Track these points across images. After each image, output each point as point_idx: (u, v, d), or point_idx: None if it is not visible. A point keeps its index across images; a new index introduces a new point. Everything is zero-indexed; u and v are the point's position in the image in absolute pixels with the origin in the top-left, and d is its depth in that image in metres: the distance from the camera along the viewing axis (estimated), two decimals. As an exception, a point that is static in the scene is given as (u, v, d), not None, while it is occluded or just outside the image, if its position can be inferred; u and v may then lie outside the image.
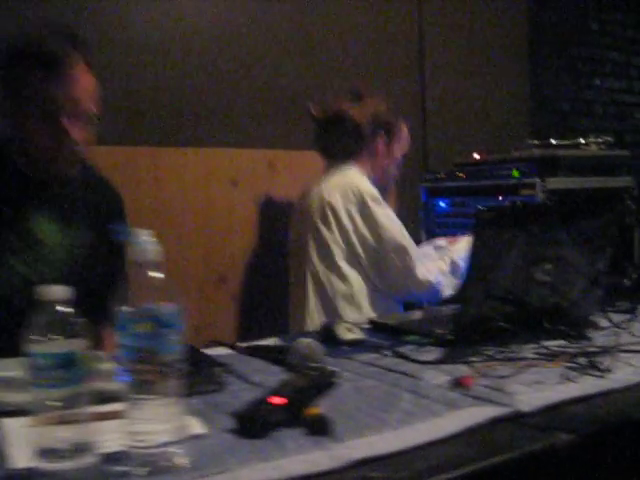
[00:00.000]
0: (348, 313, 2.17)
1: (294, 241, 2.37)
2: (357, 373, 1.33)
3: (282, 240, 2.56)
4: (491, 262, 1.44)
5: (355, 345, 1.53)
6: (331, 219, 2.18)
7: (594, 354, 1.36)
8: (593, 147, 2.61)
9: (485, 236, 1.41)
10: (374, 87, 2.57)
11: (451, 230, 2.66)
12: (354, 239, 2.17)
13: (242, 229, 2.64)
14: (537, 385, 1.20)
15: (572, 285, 1.59)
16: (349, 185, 2.20)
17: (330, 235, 2.17)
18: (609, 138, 2.62)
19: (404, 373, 1.31)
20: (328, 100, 2.35)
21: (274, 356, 1.44)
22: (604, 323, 1.65)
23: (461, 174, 2.65)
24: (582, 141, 2.63)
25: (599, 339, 1.51)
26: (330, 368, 1.18)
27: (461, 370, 1.30)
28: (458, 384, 1.21)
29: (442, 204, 2.70)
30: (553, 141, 2.67)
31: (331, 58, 2.92)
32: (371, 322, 1.75)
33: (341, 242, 2.17)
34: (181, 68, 2.59)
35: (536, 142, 2.62)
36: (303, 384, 1.09)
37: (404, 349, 1.48)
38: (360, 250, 2.17)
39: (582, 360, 1.34)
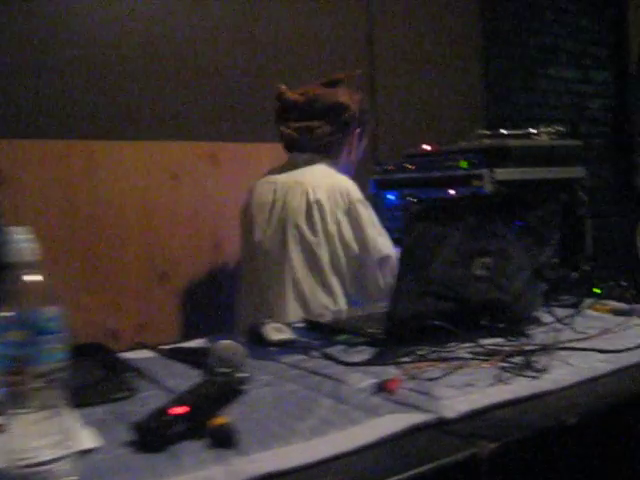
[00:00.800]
0: None
1: (258, 241, 2.12)
2: (279, 376, 1.25)
3: (226, 236, 2.47)
4: (425, 257, 1.37)
5: (283, 346, 1.45)
6: (317, 221, 1.98)
7: (531, 353, 1.29)
8: (544, 137, 2.55)
9: (417, 230, 1.33)
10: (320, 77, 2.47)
11: (401, 224, 2.58)
12: (339, 246, 1.99)
13: (184, 225, 2.54)
14: (467, 388, 1.13)
15: (513, 279, 1.53)
16: (337, 186, 2.02)
17: (314, 239, 1.98)
18: (561, 128, 2.56)
19: (328, 376, 1.23)
20: (301, 85, 2.17)
21: (193, 359, 1.35)
22: (547, 319, 1.59)
23: (410, 166, 2.57)
24: (533, 131, 2.57)
25: (539, 336, 1.44)
26: (242, 373, 1.09)
27: (389, 372, 1.22)
28: (382, 388, 1.13)
29: (391, 197, 2.63)
30: (504, 131, 2.61)
31: (278, 48, 2.83)
32: (305, 321, 1.66)
33: (326, 247, 1.98)
34: (117, 59, 2.49)
35: (486, 132, 2.56)
36: (209, 391, 1.00)
37: (334, 350, 1.40)
38: (343, 258, 2.00)
39: (518, 359, 1.26)
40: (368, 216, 2.02)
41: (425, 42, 3.31)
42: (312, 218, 1.98)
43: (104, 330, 2.41)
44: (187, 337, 2.18)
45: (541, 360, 1.25)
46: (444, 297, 1.43)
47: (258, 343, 1.47)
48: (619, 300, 1.74)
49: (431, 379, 1.17)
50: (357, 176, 2.80)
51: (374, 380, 1.17)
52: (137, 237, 2.46)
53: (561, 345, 1.34)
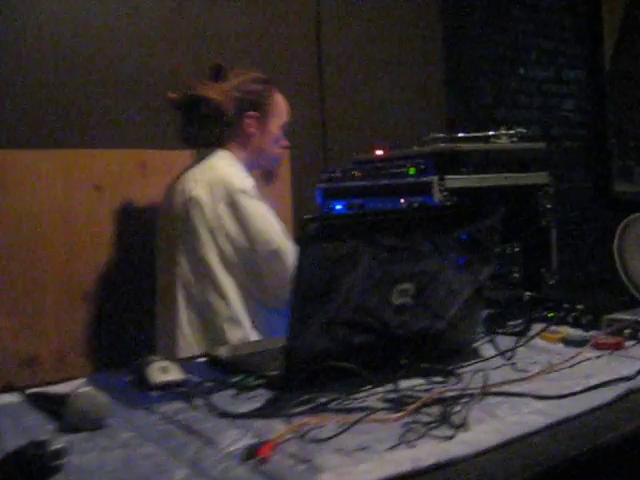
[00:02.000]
0: (231, 336, 1.84)
1: (163, 249, 2.01)
2: (141, 434, 1.02)
3: (154, 250, 2.23)
4: (330, 284, 1.14)
5: (167, 390, 1.22)
6: (196, 218, 1.84)
7: (452, 401, 1.06)
8: (504, 140, 2.33)
9: (314, 252, 1.10)
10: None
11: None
12: (224, 242, 1.83)
13: (108, 239, 2.31)
14: (359, 454, 0.90)
15: (445, 306, 1.30)
16: (216, 177, 1.87)
17: (196, 238, 1.84)
18: (522, 129, 2.34)
19: (200, 433, 1.00)
20: (188, 82, 1.99)
21: (53, 409, 1.12)
22: (488, 351, 1.37)
23: (357, 173, 2.35)
24: (491, 133, 2.35)
25: (470, 377, 1.21)
26: (57, 445, 0.86)
27: (274, 429, 0.99)
28: (253, 454, 0.90)
29: (338, 207, 2.40)
30: (461, 134, 2.39)
31: (214, 48, 2.61)
32: (206, 355, 1.44)
33: (212, 245, 1.83)
34: (34, 61, 2.26)
35: (440, 135, 2.33)
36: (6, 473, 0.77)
37: (223, 395, 1.18)
38: (232, 255, 1.83)
39: (437, 409, 1.04)
40: (254, 207, 1.85)
41: (380, 39, 3.09)
42: (190, 216, 1.84)
43: (20, 357, 2.18)
44: (112, 364, 1.95)
45: (463, 411, 1.03)
46: (357, 332, 1.20)
47: (139, 386, 1.24)
48: (574, 326, 1.52)
49: (320, 440, 0.95)
50: (305, 184, 2.59)
51: (252, 440, 0.95)
52: (56, 253, 2.23)
53: (490, 390, 1.11)
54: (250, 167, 2.02)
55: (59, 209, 2.23)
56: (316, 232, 1.09)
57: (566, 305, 1.54)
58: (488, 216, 1.32)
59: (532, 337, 1.42)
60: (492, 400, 1.09)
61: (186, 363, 1.38)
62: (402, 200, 2.15)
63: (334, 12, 2.96)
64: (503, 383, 1.15)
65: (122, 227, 2.33)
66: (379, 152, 2.45)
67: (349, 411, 1.06)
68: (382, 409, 1.06)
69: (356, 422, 0.98)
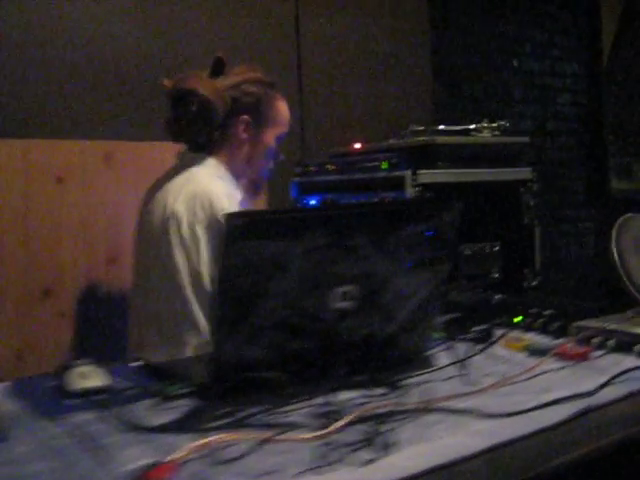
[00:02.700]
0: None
1: (139, 259, 1.80)
2: (37, 449, 0.92)
3: (123, 246, 2.15)
4: (258, 285, 1.04)
5: (87, 397, 1.12)
6: (173, 236, 1.60)
7: (385, 418, 0.96)
8: (486, 133, 2.22)
9: (240, 250, 1.00)
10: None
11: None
12: (200, 268, 1.58)
13: (71, 233, 2.22)
14: (262, 479, 0.80)
15: (393, 311, 1.20)
16: (198, 193, 1.62)
17: (170, 258, 1.59)
18: (505, 122, 2.23)
19: (99, 449, 0.90)
20: (188, 72, 1.76)
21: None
22: (444, 359, 1.26)
23: (332, 166, 2.24)
24: (472, 127, 2.24)
25: (415, 389, 1.11)
26: None
27: (182, 447, 0.89)
28: (144, 476, 0.80)
29: (312, 202, 2.30)
30: (442, 127, 2.28)
31: (187, 32, 2.50)
32: (139, 359, 1.34)
33: (186, 269, 1.58)
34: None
35: (419, 128, 2.22)
36: None
37: (145, 404, 1.08)
38: (207, 281, 1.57)
39: (368, 426, 0.94)
40: None
41: (362, 29, 2.97)
42: (167, 233, 1.60)
43: (-24, 356, 2.10)
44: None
45: (397, 430, 0.92)
46: (293, 337, 1.10)
47: (59, 392, 1.15)
48: (542, 333, 1.41)
49: (227, 460, 0.85)
50: (280, 179, 2.49)
51: (154, 459, 0.85)
52: (15, 248, 2.14)
53: (431, 405, 1.00)
54: (238, 176, 1.80)
55: (17, 202, 2.14)
56: (240, 230, 0.99)
57: (534, 310, 1.42)
58: (445, 212, 1.21)
59: (487, 346, 1.31)
60: (432, 417, 0.98)
61: (118, 368, 1.28)
62: (375, 195, 2.05)
63: (313, 1, 2.84)
64: (449, 397, 1.04)
65: (85, 221, 2.24)
66: (357, 146, 2.34)
67: (270, 427, 0.96)
68: (306, 426, 0.96)
69: (265, 441, 0.88)
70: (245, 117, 1.75)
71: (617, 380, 1.09)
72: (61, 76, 2.27)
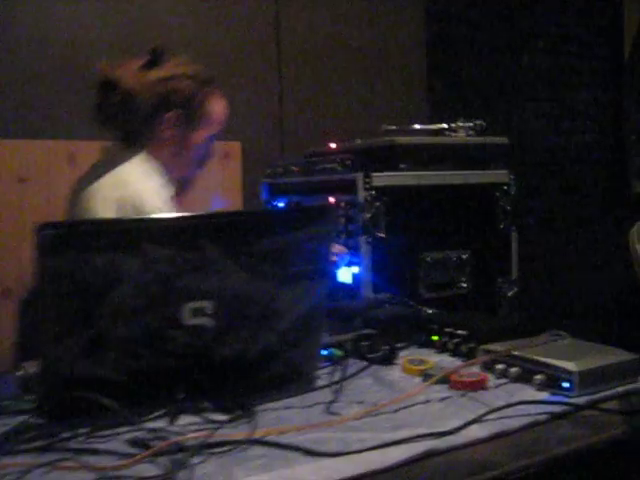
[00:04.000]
0: None
1: None
2: None
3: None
4: (86, 300, 0.96)
5: None
6: None
7: (205, 448, 0.87)
8: (461, 133, 2.07)
9: (58, 262, 0.92)
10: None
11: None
12: None
13: (33, 235, 2.17)
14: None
15: (262, 330, 1.10)
16: (129, 197, 1.54)
17: None
18: (481, 122, 2.08)
19: None
20: (119, 60, 1.67)
21: None
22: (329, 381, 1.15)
23: (295, 168, 2.14)
24: (445, 126, 2.10)
25: (268, 415, 1.01)
26: None
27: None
28: None
29: (281, 204, 2.21)
30: (417, 126, 2.14)
31: (160, 29, 2.44)
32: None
33: None
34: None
35: (392, 127, 2.09)
36: None
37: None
38: None
39: (174, 459, 0.84)
40: None
41: (349, 21, 2.84)
42: None
43: None
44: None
45: (205, 463, 0.83)
46: (134, 356, 1.01)
47: None
48: (455, 354, 1.28)
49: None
50: (253, 179, 2.40)
51: None
52: (-23, 249, 2.13)
53: (264, 437, 0.90)
54: (168, 172, 1.70)
55: (-21, 202, 2.13)
56: (54, 241, 0.91)
57: (449, 329, 1.29)
58: (318, 222, 1.10)
59: (361, 370, 1.19)
60: (255, 451, 0.88)
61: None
62: (331, 199, 1.94)
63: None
64: (286, 429, 0.93)
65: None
66: (333, 145, 2.23)
67: (76, 452, 0.88)
68: (118, 454, 0.87)
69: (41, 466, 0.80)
70: (173, 113, 1.65)
71: (491, 417, 0.96)
72: (24, 75, 2.24)
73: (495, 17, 3.10)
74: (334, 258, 1.82)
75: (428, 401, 1.04)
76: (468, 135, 2.07)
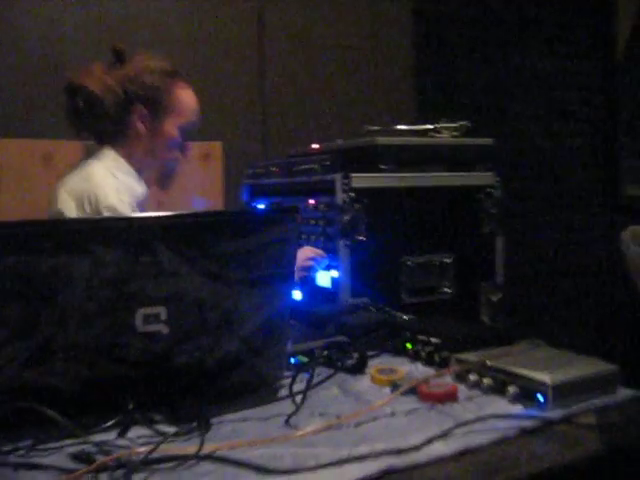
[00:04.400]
0: None
1: None
2: None
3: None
4: (29, 306, 0.90)
5: None
6: None
7: (150, 463, 0.81)
8: (445, 134, 2.02)
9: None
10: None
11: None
12: None
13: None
14: None
15: (222, 335, 1.04)
16: (87, 189, 1.60)
17: None
18: (465, 122, 2.02)
19: None
20: (81, 67, 1.71)
21: None
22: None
23: (274, 169, 2.09)
24: (429, 127, 2.04)
25: (224, 428, 0.96)
26: None
27: None
28: None
29: (261, 206, 2.15)
30: (401, 127, 2.09)
31: (140, 27, 2.39)
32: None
33: None
34: None
35: (374, 128, 2.04)
36: None
37: None
38: None
39: (115, 475, 0.79)
40: None
41: (333, 18, 2.79)
42: None
43: None
44: None
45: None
46: (86, 364, 0.96)
47: None
48: (428, 363, 1.22)
49: None
50: (235, 180, 2.35)
51: None
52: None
53: (214, 452, 0.85)
54: (142, 169, 1.75)
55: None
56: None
57: (423, 337, 1.24)
58: (281, 223, 1.05)
59: (327, 379, 1.14)
60: (202, 468, 0.83)
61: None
62: (311, 201, 1.88)
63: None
64: (238, 444, 0.87)
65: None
66: (315, 146, 2.17)
67: (17, 467, 0.83)
68: (61, 469, 0.82)
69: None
70: (139, 107, 1.68)
71: (458, 432, 0.91)
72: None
73: (485, 16, 3.05)
74: (310, 262, 1.77)
75: (394, 414, 0.99)
76: (452, 136, 2.02)
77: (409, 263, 1.86)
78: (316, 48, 2.72)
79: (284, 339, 1.12)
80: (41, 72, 2.25)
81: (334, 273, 1.82)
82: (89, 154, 1.71)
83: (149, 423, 0.95)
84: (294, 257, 1.08)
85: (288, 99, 2.66)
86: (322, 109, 2.71)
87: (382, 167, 1.84)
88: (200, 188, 2.40)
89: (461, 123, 2.01)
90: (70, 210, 1.59)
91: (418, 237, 1.89)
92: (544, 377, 0.98)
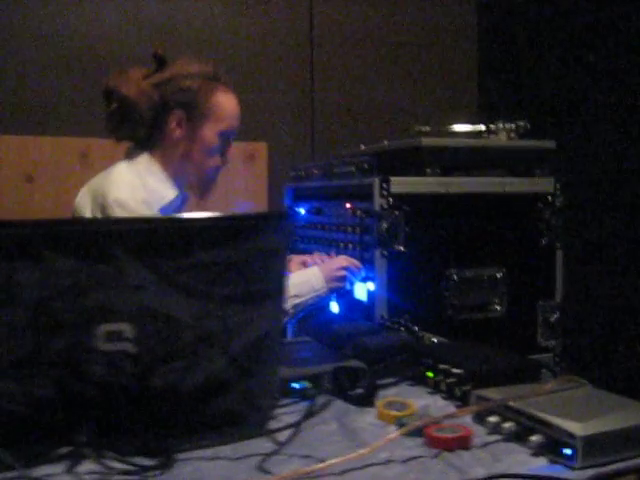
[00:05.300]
0: None
1: None
2: None
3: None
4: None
5: None
6: None
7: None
8: (502, 135, 1.83)
9: None
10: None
11: (310, 246, 1.98)
12: None
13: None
14: None
15: (201, 358, 0.91)
16: (100, 187, 1.56)
17: None
18: (523, 122, 1.83)
19: None
20: (120, 70, 1.64)
21: None
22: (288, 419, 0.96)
23: (316, 172, 1.95)
24: (483, 127, 1.86)
25: (185, 467, 0.83)
26: None
27: None
28: None
29: (302, 210, 2.02)
30: (456, 127, 1.91)
31: (185, 26, 2.30)
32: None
33: None
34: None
35: (424, 128, 1.87)
36: None
37: None
38: None
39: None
40: None
41: (391, 16, 2.62)
42: None
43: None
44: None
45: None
46: (37, 384, 0.85)
47: None
48: (448, 397, 1.06)
49: None
50: (281, 183, 2.23)
51: None
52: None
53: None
54: (180, 175, 1.65)
55: (-14, 201, 2.04)
56: None
57: (443, 366, 1.07)
58: (268, 231, 0.91)
59: (326, 411, 0.98)
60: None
61: None
62: (348, 205, 1.74)
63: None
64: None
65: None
66: (363, 147, 2.03)
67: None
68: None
69: None
70: (177, 112, 1.60)
71: (458, 491, 0.75)
72: (35, 71, 2.15)
73: (556, 9, 2.80)
74: (343, 272, 1.63)
75: (389, 461, 0.83)
76: (509, 138, 1.83)
77: (455, 277, 1.69)
78: (369, 45, 2.57)
79: (274, 363, 0.98)
80: (78, 70, 2.20)
81: (371, 286, 1.67)
82: (127, 156, 1.65)
83: (99, 458, 0.82)
84: (284, 269, 0.94)
85: (339, 98, 2.52)
86: (375, 109, 2.55)
87: (428, 171, 1.68)
88: (244, 191, 2.29)
89: (519, 123, 1.82)
90: (85, 206, 1.56)
91: (465, 249, 1.72)
92: (574, 426, 0.80)
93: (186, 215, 1.01)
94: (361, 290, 1.71)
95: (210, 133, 1.62)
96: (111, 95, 1.60)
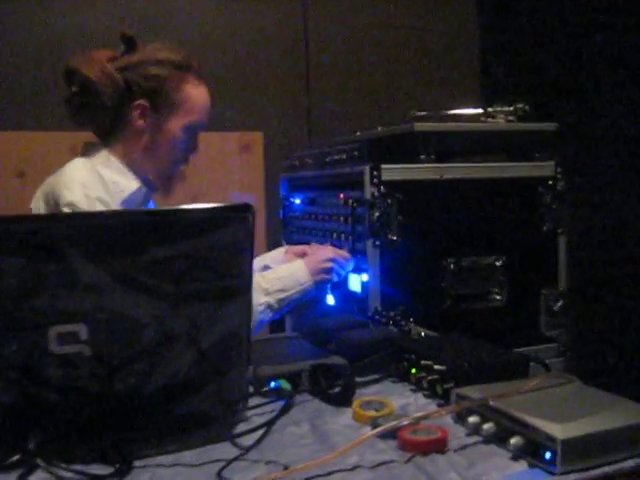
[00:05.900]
0: None
1: None
2: None
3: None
4: None
5: None
6: None
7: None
8: (500, 119, 1.76)
9: None
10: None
11: (305, 237, 1.92)
12: None
13: None
14: None
15: (162, 359, 0.87)
16: (54, 185, 1.43)
17: None
18: (522, 105, 1.75)
19: None
20: (84, 50, 1.49)
21: None
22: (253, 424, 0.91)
23: (310, 161, 1.89)
24: (480, 110, 1.79)
25: (146, 474, 0.78)
26: None
27: None
28: None
29: (297, 201, 1.96)
30: (454, 111, 1.84)
31: (179, 13, 2.25)
32: None
33: None
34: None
35: (421, 113, 1.81)
36: None
37: None
38: None
39: None
40: None
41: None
42: None
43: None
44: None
45: None
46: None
47: None
48: (431, 395, 1.00)
49: None
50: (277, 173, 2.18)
51: None
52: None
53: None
54: (140, 168, 1.52)
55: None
56: None
57: (426, 362, 1.01)
58: (229, 225, 0.86)
59: (295, 411, 0.94)
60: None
61: None
62: (341, 195, 1.68)
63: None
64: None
65: (48, 219, 2.06)
66: (358, 133, 1.97)
67: None
68: None
69: None
70: (141, 102, 1.46)
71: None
72: (24, 64, 2.11)
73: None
74: (329, 264, 1.56)
75: (356, 467, 0.78)
76: (508, 121, 1.76)
77: (452, 266, 1.62)
78: (367, 28, 2.49)
79: (245, 360, 0.93)
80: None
81: (365, 277, 1.62)
82: (83, 151, 1.52)
83: (49, 467, 0.78)
84: (249, 265, 0.89)
85: (335, 84, 2.45)
86: (374, 96, 2.48)
87: (422, 157, 1.62)
88: (239, 182, 2.24)
89: (517, 106, 1.75)
90: (38, 210, 1.44)
91: (463, 237, 1.65)
92: (554, 428, 0.75)
93: (137, 210, 0.96)
94: (355, 281, 1.66)
95: (176, 126, 1.49)
96: (72, 76, 1.45)
